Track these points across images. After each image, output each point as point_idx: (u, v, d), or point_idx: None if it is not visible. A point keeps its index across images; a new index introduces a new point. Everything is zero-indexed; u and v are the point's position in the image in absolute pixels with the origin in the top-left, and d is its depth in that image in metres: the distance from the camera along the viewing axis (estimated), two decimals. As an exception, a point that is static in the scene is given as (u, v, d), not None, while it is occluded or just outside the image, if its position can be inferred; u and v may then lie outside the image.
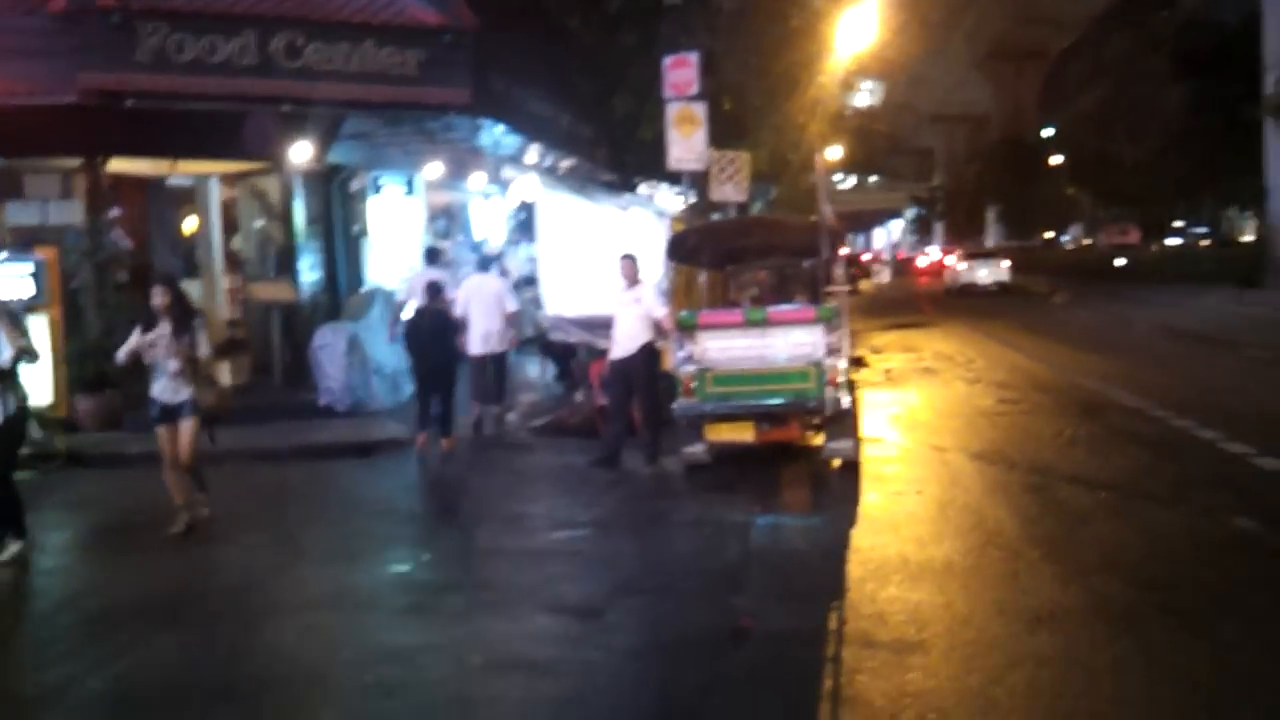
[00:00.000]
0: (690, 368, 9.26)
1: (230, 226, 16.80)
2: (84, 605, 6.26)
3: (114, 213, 12.89)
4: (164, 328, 7.69)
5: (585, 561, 7.13)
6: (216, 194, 16.48)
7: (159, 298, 7.76)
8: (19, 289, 10.86)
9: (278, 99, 11.66)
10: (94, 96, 10.67)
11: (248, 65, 11.23)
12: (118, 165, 13.12)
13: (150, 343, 7.70)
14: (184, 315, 7.82)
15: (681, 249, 11.24)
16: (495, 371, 11.90)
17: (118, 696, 5.11)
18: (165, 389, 7.79)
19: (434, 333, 11.01)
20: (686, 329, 9.39)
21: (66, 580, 6.63)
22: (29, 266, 10.97)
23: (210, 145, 12.74)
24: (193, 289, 16.23)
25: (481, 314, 11.72)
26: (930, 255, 58.79)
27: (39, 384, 10.72)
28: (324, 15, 11.64)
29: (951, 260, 43.22)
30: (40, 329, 10.55)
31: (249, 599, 6.34)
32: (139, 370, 12.62)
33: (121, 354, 7.86)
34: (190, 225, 17.00)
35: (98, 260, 12.08)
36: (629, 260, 10.15)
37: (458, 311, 11.60)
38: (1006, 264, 38.08)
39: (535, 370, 14.51)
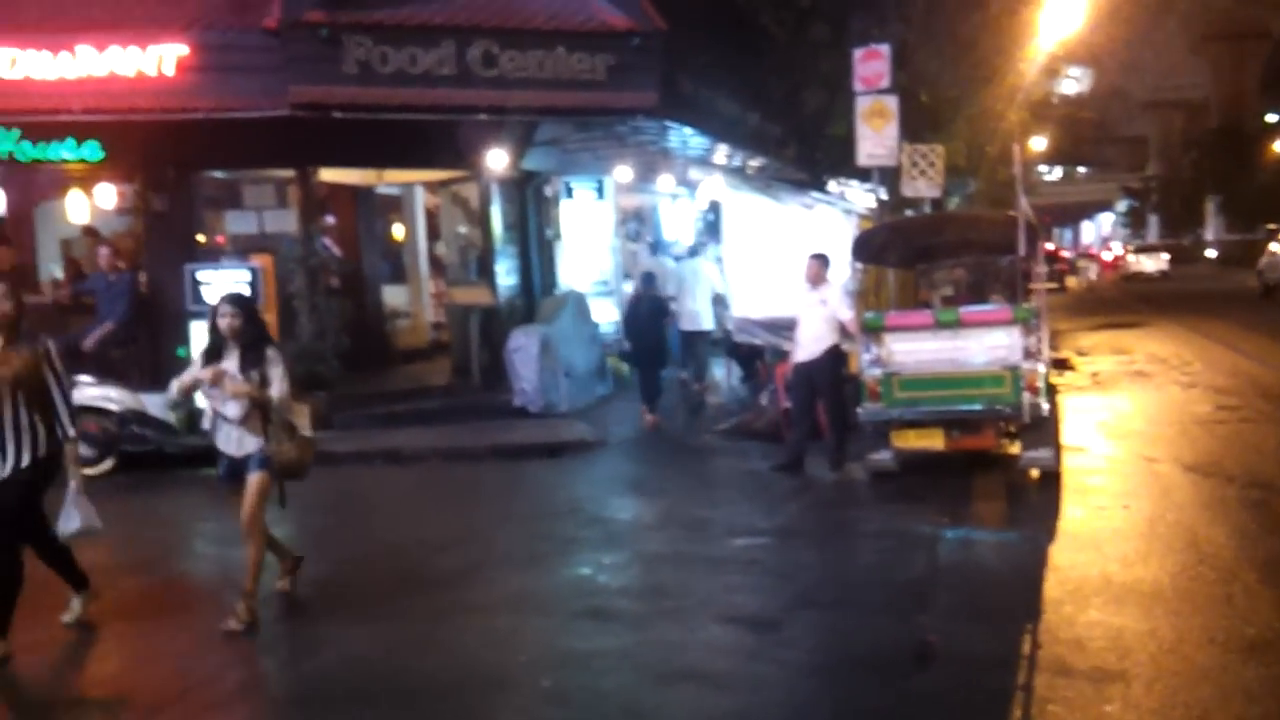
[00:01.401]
0: (876, 371, 9.01)
1: (434, 232, 17.49)
2: (278, 601, 6.55)
3: (327, 220, 13.56)
4: (230, 359, 6.07)
5: (764, 571, 7.02)
6: (421, 201, 17.20)
7: (227, 319, 6.06)
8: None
9: (475, 108, 11.97)
10: (304, 109, 11.21)
11: (446, 75, 11.57)
12: (329, 175, 13.82)
13: (208, 378, 6.02)
14: (256, 343, 6.12)
15: (868, 248, 10.92)
16: (700, 348, 13.26)
17: (304, 693, 5.34)
18: (228, 438, 6.15)
19: (649, 316, 12.47)
20: (872, 331, 9.14)
21: (265, 576, 6.92)
22: (245, 273, 11.58)
23: (413, 154, 13.27)
24: (400, 293, 17.07)
25: (690, 294, 13.19)
26: (1113, 250, 66.49)
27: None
28: (518, 23, 11.89)
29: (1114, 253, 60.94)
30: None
31: (436, 599, 6.50)
32: (354, 369, 13.17)
33: (172, 389, 6.23)
34: (398, 232, 17.76)
35: (310, 266, 12.70)
36: (817, 260, 9.97)
37: (670, 291, 12.96)
38: (1166, 256, 50.53)
39: (721, 372, 14.48)
